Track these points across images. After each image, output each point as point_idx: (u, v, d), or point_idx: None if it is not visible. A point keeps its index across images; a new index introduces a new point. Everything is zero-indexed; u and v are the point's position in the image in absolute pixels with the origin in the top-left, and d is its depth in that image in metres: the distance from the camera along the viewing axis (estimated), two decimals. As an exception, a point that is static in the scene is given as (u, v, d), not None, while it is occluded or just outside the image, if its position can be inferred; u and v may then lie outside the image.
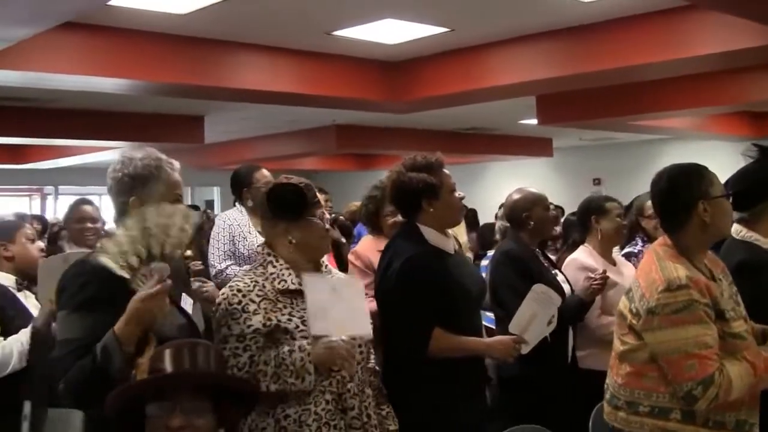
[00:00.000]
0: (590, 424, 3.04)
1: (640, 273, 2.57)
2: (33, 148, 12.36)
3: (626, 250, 4.53)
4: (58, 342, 2.24)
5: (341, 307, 2.45)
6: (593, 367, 3.57)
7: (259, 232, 4.14)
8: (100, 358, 2.09)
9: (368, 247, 4.04)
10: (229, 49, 6.54)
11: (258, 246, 2.73)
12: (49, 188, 16.32)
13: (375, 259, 3.86)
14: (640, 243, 4.53)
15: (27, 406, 1.48)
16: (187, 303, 2.50)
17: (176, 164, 2.42)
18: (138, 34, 6.01)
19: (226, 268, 4.37)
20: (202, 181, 16.09)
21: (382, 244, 3.90)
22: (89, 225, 4.42)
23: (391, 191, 3.09)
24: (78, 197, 4.98)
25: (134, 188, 2.31)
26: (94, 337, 2.13)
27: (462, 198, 3.09)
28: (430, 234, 2.99)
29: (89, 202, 4.66)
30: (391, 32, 6.46)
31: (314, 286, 2.47)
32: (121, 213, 2.34)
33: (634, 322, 2.49)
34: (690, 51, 5.95)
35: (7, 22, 4.44)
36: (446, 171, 3.05)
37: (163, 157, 2.40)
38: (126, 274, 2.15)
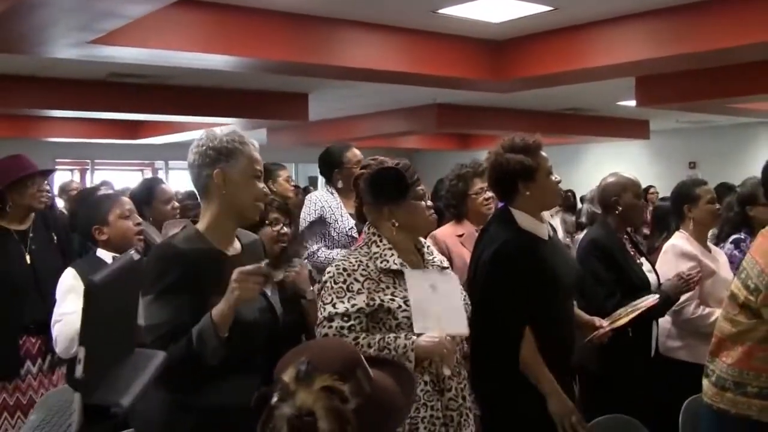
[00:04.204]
0: (681, 416, 2.98)
1: (756, 251, 2.55)
2: (146, 123, 12.82)
3: (734, 236, 4.35)
4: (144, 328, 2.24)
5: (440, 305, 2.49)
6: (687, 359, 3.55)
7: (350, 214, 4.07)
8: (196, 344, 2.12)
9: (447, 233, 3.95)
10: (335, 26, 6.61)
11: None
12: (159, 163, 16.93)
13: (452, 244, 3.85)
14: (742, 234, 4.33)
15: (81, 351, 1.54)
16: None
17: (257, 144, 2.43)
18: (248, 12, 6.12)
19: (318, 250, 4.24)
20: (305, 158, 16.38)
21: (461, 229, 3.92)
22: (176, 204, 4.40)
23: (489, 172, 3.06)
24: (147, 177, 5.00)
25: (218, 161, 2.31)
26: (179, 321, 2.16)
27: (558, 181, 3.03)
28: (524, 220, 2.93)
29: (163, 181, 4.62)
30: (495, 10, 6.42)
31: (415, 283, 2.51)
32: (204, 187, 2.35)
33: (750, 299, 2.46)
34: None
35: (126, -1, 4.55)
36: (543, 153, 2.98)
37: (245, 135, 2.41)
38: None
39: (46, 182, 4.01)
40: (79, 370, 1.52)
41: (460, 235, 3.88)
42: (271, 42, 6.34)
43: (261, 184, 2.39)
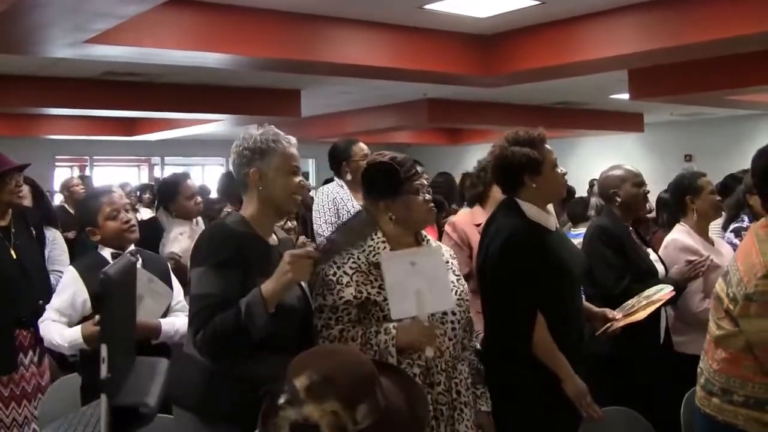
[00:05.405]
0: (681, 409, 2.99)
1: (740, 255, 2.48)
2: (142, 121, 12.90)
3: (734, 225, 4.37)
4: (193, 296, 2.39)
5: (421, 282, 2.45)
6: (697, 353, 3.41)
7: (361, 206, 4.20)
8: (243, 316, 2.25)
9: (465, 221, 4.01)
10: (326, 24, 6.67)
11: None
12: (155, 159, 17.02)
13: (470, 232, 3.89)
14: (747, 220, 4.36)
15: (104, 350, 1.59)
16: None
17: (293, 140, 2.57)
18: (239, 11, 6.20)
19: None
20: (298, 154, 16.43)
21: (478, 217, 3.93)
22: (198, 200, 4.55)
23: (494, 165, 3.03)
24: (174, 173, 5.12)
25: (253, 160, 2.47)
26: (228, 293, 2.30)
27: (564, 174, 3.02)
28: (530, 210, 2.92)
29: (189, 176, 4.76)
30: (483, 5, 6.46)
31: (391, 265, 2.47)
32: (244, 184, 2.52)
33: (730, 307, 2.40)
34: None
35: (121, -1, 4.61)
36: (548, 146, 2.98)
37: (281, 133, 2.54)
38: None
39: (20, 177, 4.01)
40: (103, 369, 1.57)
41: (478, 225, 3.87)
42: (263, 40, 6.41)
43: (297, 178, 2.53)
